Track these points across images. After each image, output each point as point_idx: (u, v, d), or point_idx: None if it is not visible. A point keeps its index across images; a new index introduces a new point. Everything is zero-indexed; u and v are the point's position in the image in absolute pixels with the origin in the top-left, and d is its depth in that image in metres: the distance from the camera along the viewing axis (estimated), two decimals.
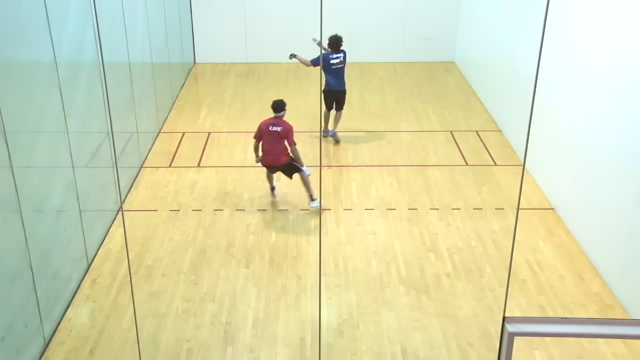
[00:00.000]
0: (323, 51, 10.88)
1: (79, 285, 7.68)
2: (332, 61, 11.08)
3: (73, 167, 7.58)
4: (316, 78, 14.04)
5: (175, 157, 10.85)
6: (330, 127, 11.47)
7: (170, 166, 10.54)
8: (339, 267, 8.09)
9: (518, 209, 6.62)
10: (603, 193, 7.85)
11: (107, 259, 8.20)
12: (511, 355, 3.63)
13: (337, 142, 11.36)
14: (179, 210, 9.27)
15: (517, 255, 8.22)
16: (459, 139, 11.47)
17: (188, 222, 9.01)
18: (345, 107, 12.87)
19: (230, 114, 12.60)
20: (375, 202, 9.49)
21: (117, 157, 9.12)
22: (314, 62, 11.08)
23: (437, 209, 9.31)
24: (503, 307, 6.07)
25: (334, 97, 11.30)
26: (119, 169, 9.59)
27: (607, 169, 7.76)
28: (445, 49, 15.45)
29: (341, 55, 11.14)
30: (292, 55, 11.34)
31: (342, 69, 11.19)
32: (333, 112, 11.45)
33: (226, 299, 7.53)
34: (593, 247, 8.15)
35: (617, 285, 7.52)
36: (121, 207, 9.28)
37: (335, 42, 11.09)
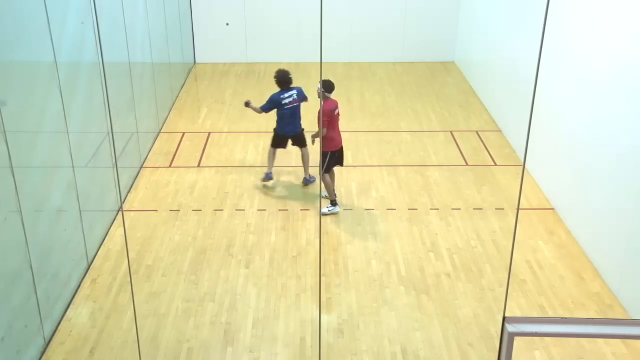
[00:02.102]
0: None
1: (79, 285, 7.68)
2: (283, 101, 9.58)
3: (73, 167, 7.58)
4: (316, 77, 14.03)
5: (175, 157, 10.85)
6: (305, 174, 10.04)
7: (170, 166, 10.54)
8: (339, 267, 8.09)
9: (518, 209, 6.63)
10: (603, 193, 7.85)
11: (107, 259, 8.20)
12: (511, 355, 3.63)
13: (312, 183, 9.99)
14: (179, 210, 9.27)
15: (517, 255, 8.22)
16: (459, 139, 11.47)
17: (188, 222, 9.01)
18: (345, 106, 12.90)
19: (230, 114, 12.60)
20: (375, 202, 9.49)
21: (117, 157, 9.12)
22: (264, 108, 9.70)
23: (437, 209, 9.31)
24: (503, 307, 6.07)
25: (287, 139, 9.88)
26: (119, 169, 9.59)
27: (607, 169, 7.76)
28: (445, 49, 15.45)
29: (294, 92, 9.66)
30: (247, 103, 10.02)
31: (297, 108, 9.71)
32: (288, 150, 10.10)
33: (226, 299, 7.53)
34: (593, 247, 8.15)
35: (617, 285, 7.52)
36: (121, 207, 9.27)
37: (283, 79, 9.68)
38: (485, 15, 13.12)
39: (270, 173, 9.89)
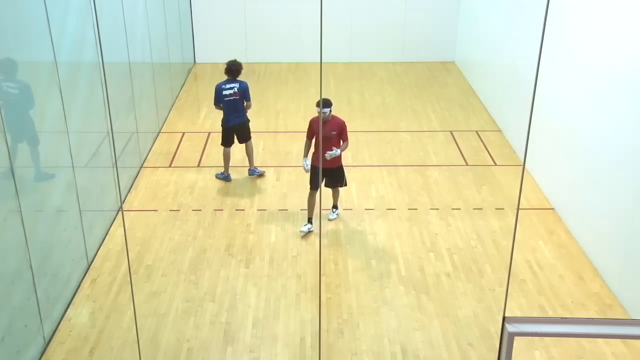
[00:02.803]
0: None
1: (79, 285, 7.68)
2: (224, 92, 9.62)
3: (73, 167, 7.58)
4: (316, 77, 14.05)
5: (175, 157, 10.85)
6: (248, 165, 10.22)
7: (170, 166, 10.54)
8: (339, 267, 8.09)
9: (518, 209, 6.63)
10: (603, 193, 7.84)
11: (107, 259, 8.20)
12: (511, 355, 3.63)
13: (260, 175, 10.19)
14: (179, 210, 9.27)
15: (517, 255, 8.22)
16: (459, 139, 11.47)
17: (188, 222, 9.00)
18: (345, 106, 12.90)
19: None
20: (375, 202, 9.49)
21: (117, 157, 9.12)
22: (214, 103, 9.81)
23: (437, 209, 9.31)
24: (503, 307, 6.07)
25: (233, 132, 9.92)
26: (119, 169, 9.59)
27: (607, 169, 7.76)
28: (445, 49, 15.45)
29: (236, 85, 9.64)
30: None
31: (238, 101, 9.67)
32: (235, 147, 10.12)
33: (226, 299, 7.53)
34: (593, 247, 8.15)
35: (617, 285, 7.52)
36: (121, 207, 9.27)
37: (229, 69, 9.66)
38: (485, 15, 13.12)
39: (229, 175, 10.09)
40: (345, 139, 8.57)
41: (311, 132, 8.66)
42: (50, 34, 6.97)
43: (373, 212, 9.25)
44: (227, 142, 10.01)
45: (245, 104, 9.83)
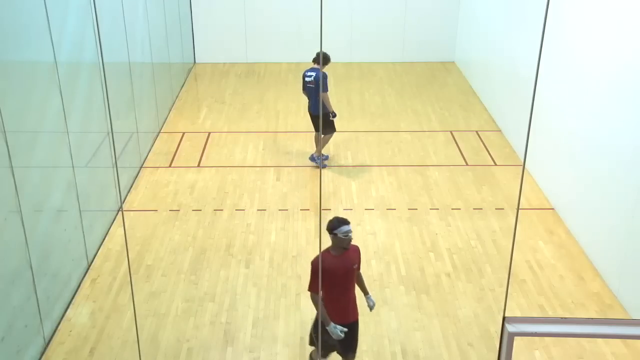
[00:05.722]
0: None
1: (79, 285, 7.68)
2: (306, 78, 10.21)
3: (73, 167, 7.58)
4: None
5: (175, 157, 10.85)
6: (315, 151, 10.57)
7: (170, 166, 10.54)
8: None
9: (518, 209, 6.61)
10: (603, 193, 7.85)
11: (107, 259, 8.20)
12: (511, 355, 3.63)
13: (322, 166, 10.34)
14: (179, 210, 9.27)
15: (517, 255, 8.22)
16: (459, 139, 11.47)
17: (188, 222, 9.01)
18: (345, 106, 12.90)
19: (230, 114, 12.60)
20: (375, 202, 9.49)
21: (117, 157, 9.12)
22: (303, 89, 10.36)
23: (437, 209, 9.31)
24: (503, 307, 6.07)
25: (312, 119, 10.55)
26: (119, 169, 9.59)
27: (607, 169, 7.76)
28: (445, 49, 15.45)
29: (313, 74, 10.06)
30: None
31: (313, 90, 10.06)
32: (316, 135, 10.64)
33: (226, 299, 7.53)
34: (593, 247, 8.15)
35: (617, 285, 7.52)
36: (121, 207, 9.28)
37: (316, 56, 10.07)
38: (485, 15, 13.12)
39: (316, 156, 10.44)
40: (359, 268, 5.98)
41: (317, 278, 5.58)
42: (50, 34, 6.97)
43: (373, 212, 9.25)
44: (315, 127, 10.55)
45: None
